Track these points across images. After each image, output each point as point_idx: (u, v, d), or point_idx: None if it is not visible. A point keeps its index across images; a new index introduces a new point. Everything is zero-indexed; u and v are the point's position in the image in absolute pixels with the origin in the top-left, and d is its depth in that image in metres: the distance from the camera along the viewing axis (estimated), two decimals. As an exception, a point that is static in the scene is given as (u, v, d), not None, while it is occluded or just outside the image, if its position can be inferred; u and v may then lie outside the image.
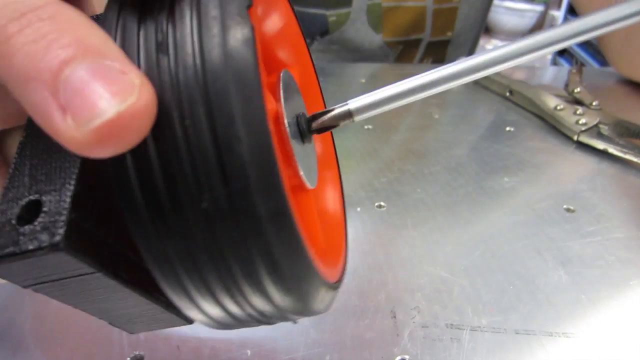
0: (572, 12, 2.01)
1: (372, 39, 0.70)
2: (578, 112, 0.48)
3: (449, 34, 0.72)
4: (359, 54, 0.72)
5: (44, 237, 0.12)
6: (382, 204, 0.36)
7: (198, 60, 0.12)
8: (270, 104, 0.17)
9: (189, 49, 0.12)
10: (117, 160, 0.12)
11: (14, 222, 0.13)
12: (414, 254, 0.31)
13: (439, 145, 0.46)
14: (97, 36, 0.12)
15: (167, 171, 0.12)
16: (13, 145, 0.19)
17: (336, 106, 0.18)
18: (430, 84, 0.18)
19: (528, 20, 3.13)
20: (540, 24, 3.17)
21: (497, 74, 0.58)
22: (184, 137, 0.11)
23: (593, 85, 0.57)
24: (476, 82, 0.61)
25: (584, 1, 0.61)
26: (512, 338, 0.25)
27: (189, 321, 0.17)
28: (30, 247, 0.12)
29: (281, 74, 0.18)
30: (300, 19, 0.22)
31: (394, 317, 0.26)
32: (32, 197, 0.13)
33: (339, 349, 0.24)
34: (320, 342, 0.25)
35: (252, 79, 0.11)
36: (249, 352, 0.23)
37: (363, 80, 0.62)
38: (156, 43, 0.12)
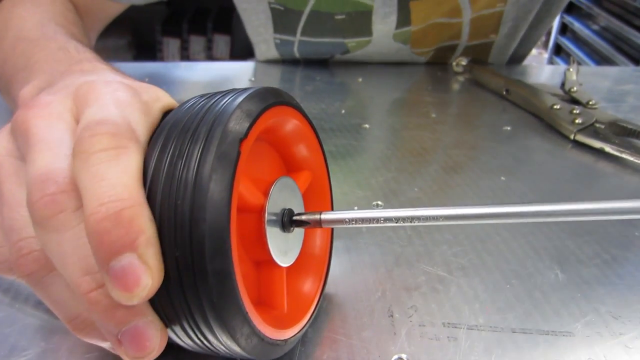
0: (568, 11, 2.01)
1: (399, 49, 0.65)
2: (574, 111, 0.48)
3: (493, 36, 0.66)
4: (385, 60, 0.68)
5: None
6: (380, 202, 0.36)
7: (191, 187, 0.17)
8: (257, 199, 0.22)
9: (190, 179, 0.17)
10: None
11: None
12: (410, 253, 0.31)
13: (436, 144, 0.46)
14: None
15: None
16: None
17: (313, 212, 0.23)
18: (382, 219, 0.22)
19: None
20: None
21: (494, 73, 0.58)
22: (174, 223, 0.17)
23: (589, 84, 0.57)
24: (473, 81, 0.61)
25: None
26: (508, 337, 0.25)
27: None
28: None
29: (277, 180, 0.22)
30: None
31: (391, 315, 0.26)
32: None
33: (336, 347, 0.24)
34: (317, 340, 0.25)
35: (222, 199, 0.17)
36: (246, 351, 0.23)
37: (360, 79, 0.62)
38: (172, 175, 0.18)
